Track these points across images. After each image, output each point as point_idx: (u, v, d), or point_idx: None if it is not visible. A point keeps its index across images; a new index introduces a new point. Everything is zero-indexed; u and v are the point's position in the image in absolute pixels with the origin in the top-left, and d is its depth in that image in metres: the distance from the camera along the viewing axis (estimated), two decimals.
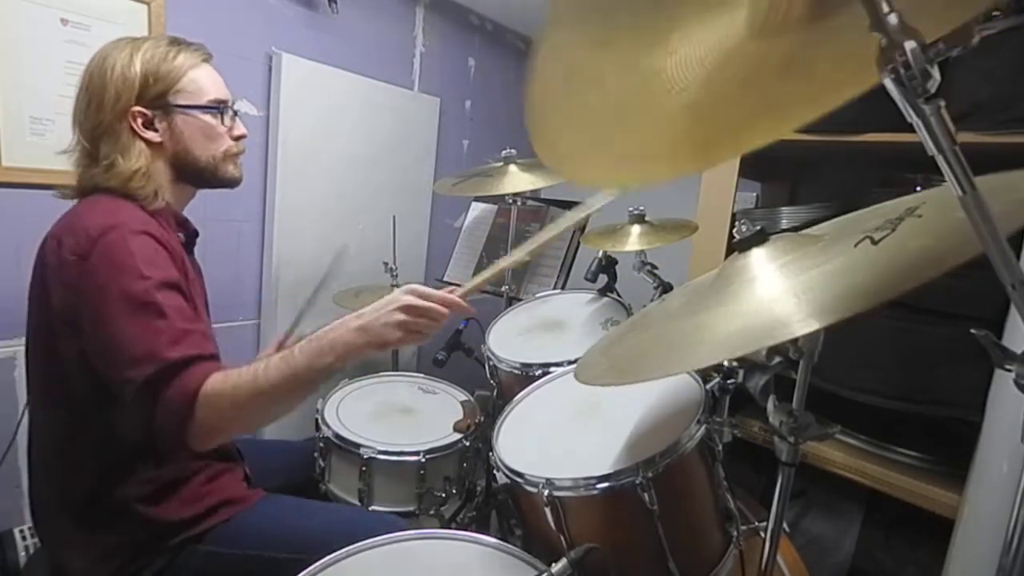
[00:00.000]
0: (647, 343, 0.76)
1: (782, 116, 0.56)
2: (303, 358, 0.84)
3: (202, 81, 0.99)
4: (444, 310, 0.89)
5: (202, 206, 1.11)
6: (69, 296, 0.86)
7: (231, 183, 1.07)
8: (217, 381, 0.82)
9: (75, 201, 0.99)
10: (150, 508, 0.94)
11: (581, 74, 0.57)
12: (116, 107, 0.93)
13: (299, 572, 0.74)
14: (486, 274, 0.98)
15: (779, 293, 0.61)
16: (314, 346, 0.85)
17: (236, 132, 1.05)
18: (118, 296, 0.82)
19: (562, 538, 0.86)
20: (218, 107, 1.01)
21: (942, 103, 0.38)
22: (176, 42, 0.99)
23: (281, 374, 0.83)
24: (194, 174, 1.03)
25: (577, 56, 0.56)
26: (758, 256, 0.68)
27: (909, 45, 0.36)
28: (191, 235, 1.09)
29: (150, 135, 0.96)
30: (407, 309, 0.86)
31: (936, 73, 0.37)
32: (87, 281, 0.84)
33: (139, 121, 0.95)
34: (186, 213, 1.09)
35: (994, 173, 0.60)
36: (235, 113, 1.05)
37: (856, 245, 0.60)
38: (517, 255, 1.01)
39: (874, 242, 0.58)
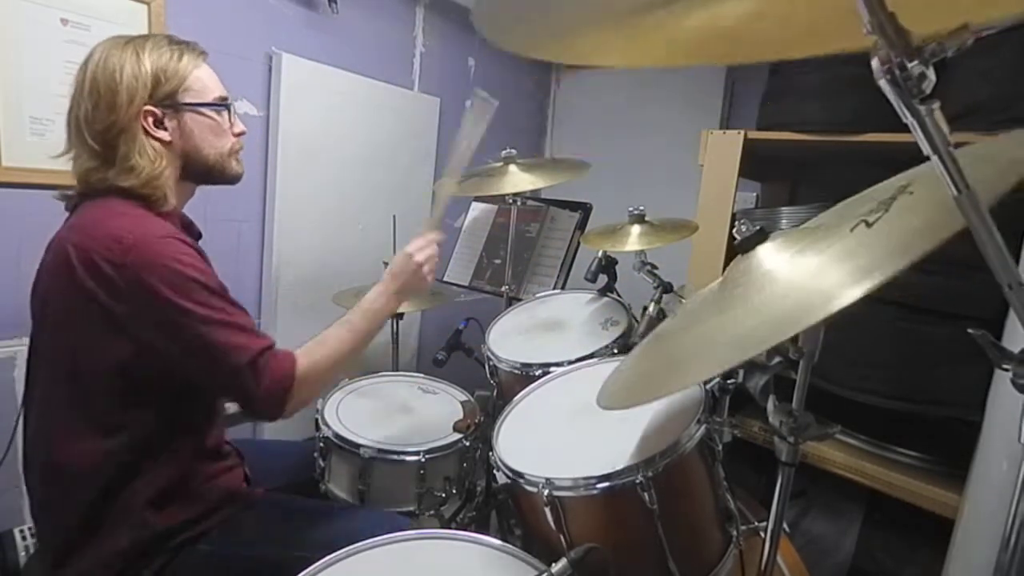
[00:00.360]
0: (675, 351, 0.75)
1: (750, 51, 0.62)
2: (365, 323, 1.05)
3: (206, 79, 1.01)
4: (436, 246, 1.15)
5: (202, 206, 1.11)
6: (110, 301, 0.86)
7: (235, 179, 1.09)
8: (305, 362, 0.96)
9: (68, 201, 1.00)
10: (152, 509, 0.94)
11: None
12: (130, 108, 0.93)
13: (299, 573, 0.74)
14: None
15: (787, 286, 0.62)
16: (370, 314, 1.06)
17: (237, 129, 1.07)
18: (182, 305, 0.87)
19: (562, 538, 0.86)
20: (223, 104, 1.03)
21: (937, 104, 0.38)
22: (174, 41, 1.00)
23: (353, 339, 1.03)
24: (202, 172, 1.04)
25: None
26: (765, 251, 0.69)
27: (910, 62, 0.36)
28: (195, 237, 1.09)
29: (161, 134, 0.97)
30: (423, 265, 1.11)
31: (931, 74, 0.37)
32: (138, 288, 0.85)
33: (150, 120, 0.96)
34: (187, 214, 1.09)
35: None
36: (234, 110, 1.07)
37: (852, 230, 0.60)
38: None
39: (868, 225, 0.59)
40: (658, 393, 0.75)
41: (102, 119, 0.93)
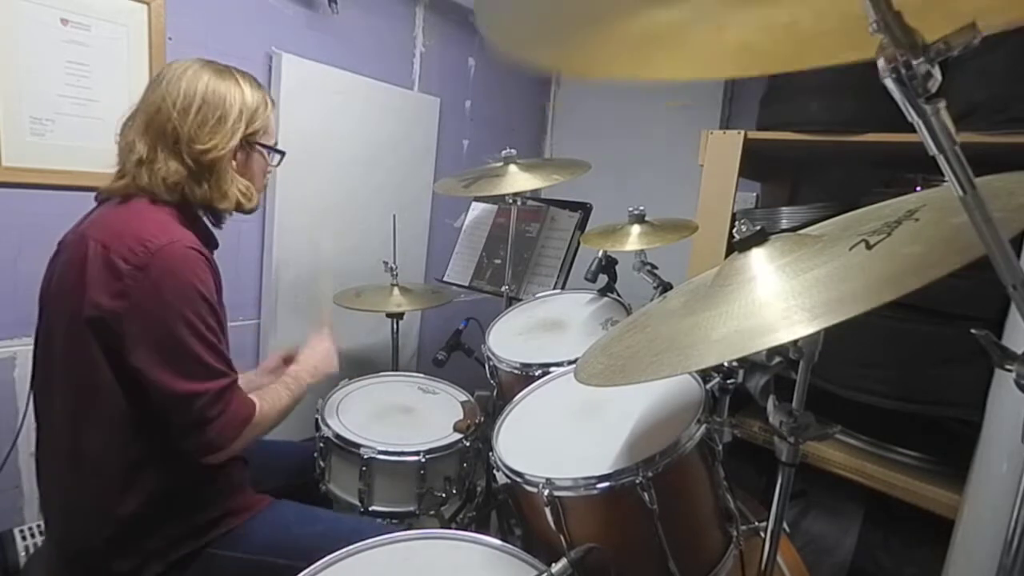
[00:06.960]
0: (643, 344, 0.75)
1: (760, 63, 0.64)
2: (300, 390, 1.14)
3: (272, 126, 1.10)
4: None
5: None
6: (114, 302, 0.87)
7: (254, 211, 1.14)
8: (262, 408, 1.00)
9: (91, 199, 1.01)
10: (157, 513, 0.94)
11: None
12: (233, 138, 1.00)
13: None
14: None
15: (772, 296, 0.61)
16: (298, 383, 1.15)
17: (271, 167, 1.16)
18: (187, 317, 0.90)
19: (562, 538, 0.86)
20: (281, 151, 1.13)
21: (942, 103, 0.38)
22: (258, 86, 1.06)
23: (289, 401, 1.10)
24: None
25: None
26: (757, 256, 0.68)
27: (915, 60, 0.36)
28: (212, 248, 1.11)
29: (233, 164, 1.03)
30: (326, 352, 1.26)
31: (937, 73, 0.37)
32: (147, 295, 0.87)
33: (236, 152, 1.02)
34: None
35: (995, 174, 0.60)
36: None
37: (851, 249, 0.60)
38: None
39: (868, 247, 0.58)
40: (630, 380, 0.74)
41: (205, 139, 0.97)
